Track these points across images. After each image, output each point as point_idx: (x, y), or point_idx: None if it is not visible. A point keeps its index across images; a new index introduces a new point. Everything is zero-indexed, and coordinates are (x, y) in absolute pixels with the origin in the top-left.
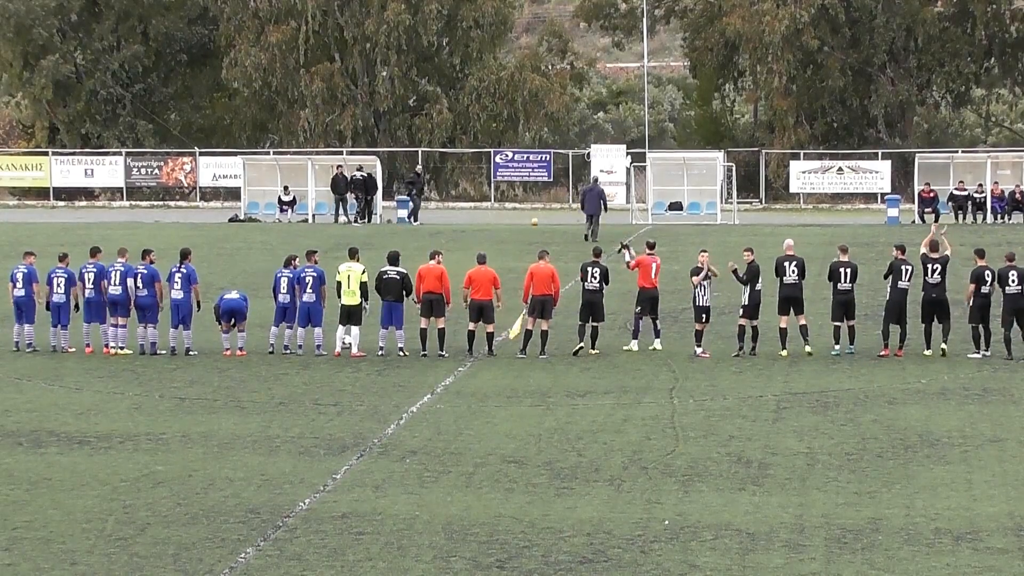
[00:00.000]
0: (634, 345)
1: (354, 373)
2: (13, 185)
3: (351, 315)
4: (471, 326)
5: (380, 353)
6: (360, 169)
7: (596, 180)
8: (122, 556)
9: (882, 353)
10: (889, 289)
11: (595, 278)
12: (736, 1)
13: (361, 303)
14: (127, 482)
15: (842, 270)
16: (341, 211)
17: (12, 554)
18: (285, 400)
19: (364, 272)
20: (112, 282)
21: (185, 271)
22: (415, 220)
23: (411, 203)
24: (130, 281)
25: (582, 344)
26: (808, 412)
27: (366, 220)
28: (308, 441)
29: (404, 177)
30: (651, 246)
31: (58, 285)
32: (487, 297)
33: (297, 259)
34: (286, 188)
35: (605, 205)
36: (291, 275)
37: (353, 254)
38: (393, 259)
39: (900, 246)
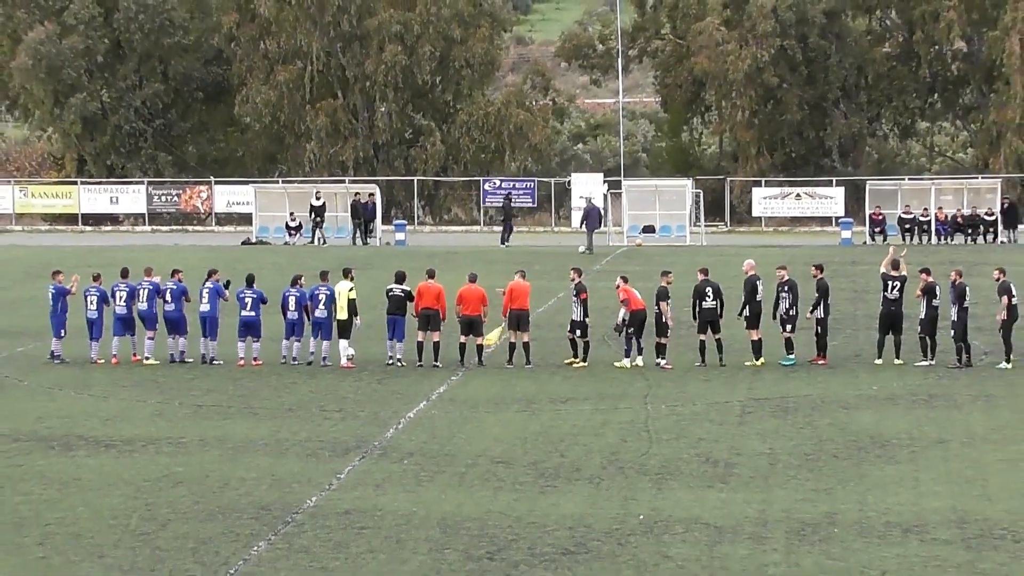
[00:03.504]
0: (626, 361)
1: (356, 382)
2: (45, 212)
3: (342, 329)
4: (462, 339)
5: (389, 363)
6: (358, 195)
7: (591, 199)
8: (146, 549)
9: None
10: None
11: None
12: (703, 42)
13: (350, 318)
14: (150, 482)
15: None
16: (358, 234)
17: (45, 548)
18: (294, 407)
19: (351, 290)
20: (139, 299)
21: (212, 287)
22: (505, 242)
23: (506, 226)
24: (146, 293)
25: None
26: (770, 416)
27: (364, 242)
28: (315, 444)
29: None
30: (626, 279)
31: (91, 302)
32: (476, 313)
33: (303, 279)
34: (292, 214)
35: (601, 221)
36: (298, 293)
37: (346, 273)
38: (400, 278)
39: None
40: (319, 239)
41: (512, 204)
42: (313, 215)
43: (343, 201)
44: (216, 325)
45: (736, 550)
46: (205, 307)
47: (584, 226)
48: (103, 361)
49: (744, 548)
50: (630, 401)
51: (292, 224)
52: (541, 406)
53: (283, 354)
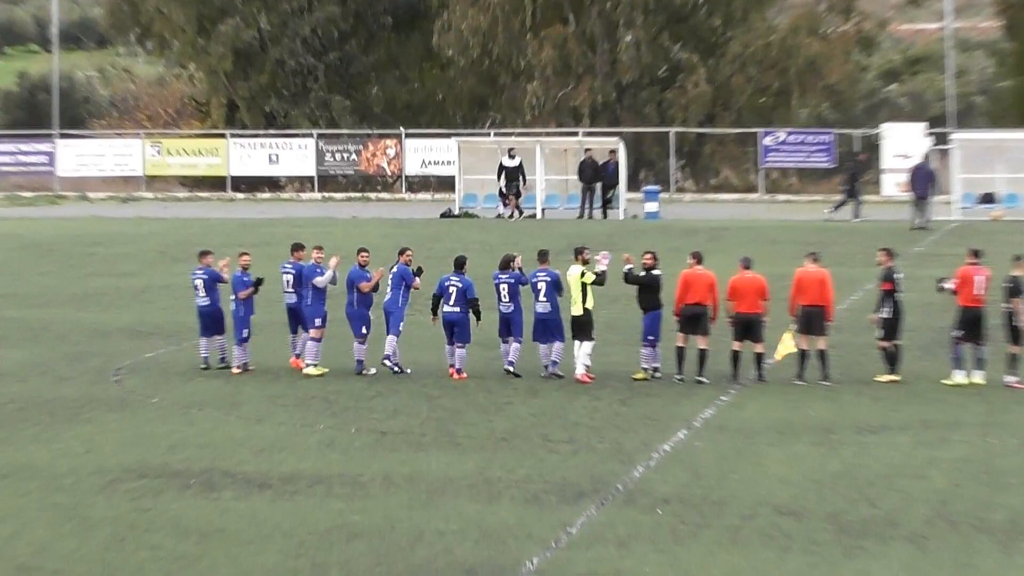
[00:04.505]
0: (958, 376)
1: (593, 402)
2: (184, 174)
3: (576, 328)
4: (736, 345)
5: (641, 377)
6: (589, 151)
7: (927, 156)
8: None
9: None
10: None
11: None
12: None
13: (586, 312)
14: (316, 535)
15: None
16: (587, 202)
17: None
18: (508, 435)
19: (583, 275)
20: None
21: (396, 270)
22: (857, 216)
23: (848, 196)
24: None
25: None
26: None
27: (603, 215)
28: (536, 486)
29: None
30: (976, 254)
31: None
32: (754, 311)
33: (518, 259)
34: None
35: (935, 187)
36: (511, 279)
37: (577, 254)
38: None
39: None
40: (514, 212)
41: (859, 166)
42: (504, 179)
43: (573, 160)
44: (400, 318)
45: None
46: (388, 295)
47: (913, 192)
48: (253, 368)
49: None
50: (964, 432)
51: (507, 191)
52: (842, 437)
53: (509, 359)
